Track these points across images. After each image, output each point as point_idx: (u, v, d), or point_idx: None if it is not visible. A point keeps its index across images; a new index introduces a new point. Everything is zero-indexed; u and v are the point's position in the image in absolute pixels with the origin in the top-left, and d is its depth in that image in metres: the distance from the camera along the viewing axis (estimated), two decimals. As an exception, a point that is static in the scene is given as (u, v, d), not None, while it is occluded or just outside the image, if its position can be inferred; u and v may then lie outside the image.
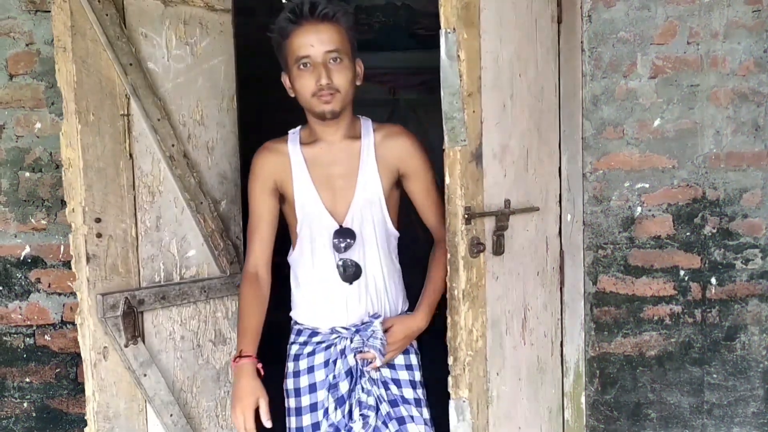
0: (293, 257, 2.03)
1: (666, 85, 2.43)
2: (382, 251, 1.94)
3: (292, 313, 2.09)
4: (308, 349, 1.99)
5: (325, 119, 1.87)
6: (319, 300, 1.97)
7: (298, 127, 2.02)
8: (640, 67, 2.43)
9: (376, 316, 1.93)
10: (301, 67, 1.83)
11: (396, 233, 2.00)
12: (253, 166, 1.99)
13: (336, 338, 1.95)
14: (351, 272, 1.92)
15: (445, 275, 1.84)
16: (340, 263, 1.91)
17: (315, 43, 1.80)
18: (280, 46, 1.89)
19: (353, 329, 1.93)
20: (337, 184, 1.91)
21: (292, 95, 1.93)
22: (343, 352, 1.92)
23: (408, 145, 1.95)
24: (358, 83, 1.92)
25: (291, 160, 1.94)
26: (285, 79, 1.95)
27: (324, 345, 1.97)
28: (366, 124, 1.97)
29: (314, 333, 2.01)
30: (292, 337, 2.07)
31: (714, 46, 2.40)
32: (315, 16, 1.80)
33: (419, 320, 1.93)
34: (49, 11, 2.33)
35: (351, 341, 1.91)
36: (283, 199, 1.99)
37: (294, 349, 2.03)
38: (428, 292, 1.95)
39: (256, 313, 1.96)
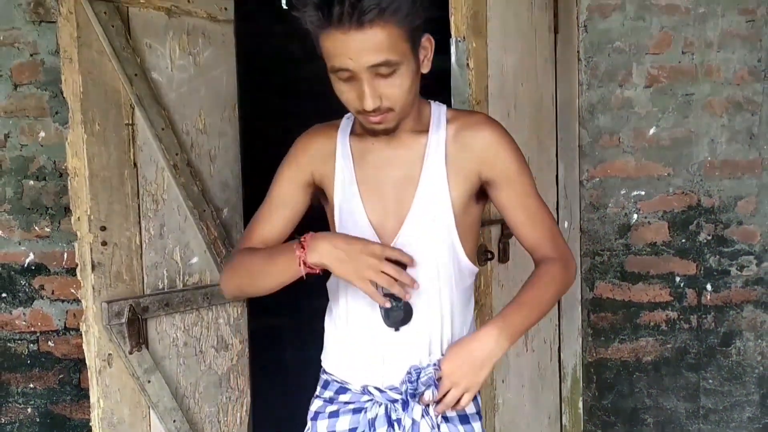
0: (331, 283, 1.49)
1: (661, 94, 2.47)
2: (445, 288, 1.37)
3: (322, 357, 1.58)
4: (331, 408, 1.47)
5: (376, 135, 1.36)
6: (351, 346, 1.44)
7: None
8: (635, 77, 2.47)
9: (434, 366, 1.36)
10: (340, 75, 1.27)
11: (472, 267, 1.41)
12: (293, 147, 1.51)
13: (368, 401, 1.42)
14: (398, 315, 1.36)
15: (546, 294, 1.38)
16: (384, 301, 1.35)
17: (354, 55, 1.22)
18: (311, 35, 1.31)
19: (391, 392, 1.38)
20: (390, 193, 1.37)
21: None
22: (373, 423, 1.39)
23: (494, 140, 1.37)
24: (425, 70, 1.32)
25: (337, 152, 1.43)
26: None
27: (351, 407, 1.44)
28: (438, 112, 1.41)
29: (343, 389, 1.47)
30: (318, 389, 1.55)
31: (708, 55, 2.45)
32: (352, 21, 1.19)
33: (490, 340, 1.30)
34: (53, 22, 2.37)
35: (386, 408, 1.38)
36: (325, 198, 1.49)
37: (315, 405, 1.52)
38: (513, 306, 1.36)
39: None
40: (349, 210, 1.40)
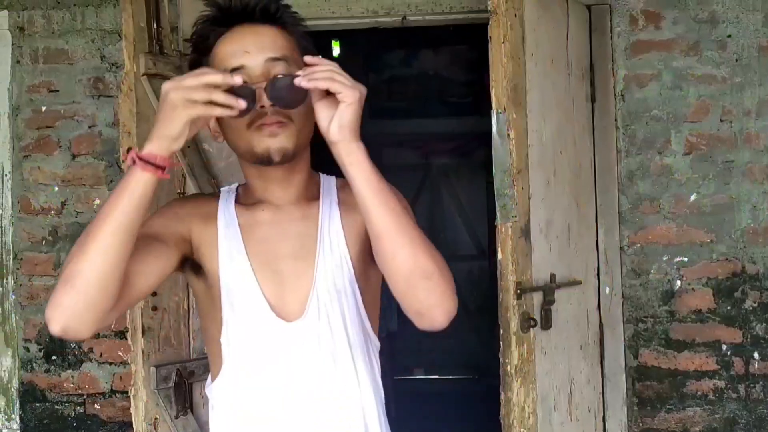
0: (216, 386, 1.22)
1: (701, 161, 2.49)
2: (359, 367, 1.21)
3: None
4: None
5: (270, 163, 1.14)
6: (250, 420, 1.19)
7: (234, 184, 1.30)
8: (674, 144, 2.50)
9: None
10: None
11: (376, 341, 1.27)
12: (166, 204, 1.30)
13: None
14: (281, 84, 1.11)
15: (403, 218, 1.08)
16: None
17: (251, 47, 1.14)
18: (200, 66, 1.18)
19: None
20: (287, 269, 1.20)
21: (220, 140, 1.22)
22: None
23: None
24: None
25: (219, 219, 1.21)
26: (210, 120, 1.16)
27: None
28: (328, 181, 1.28)
29: None
30: None
31: (747, 123, 2.47)
32: (249, 16, 1.16)
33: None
34: (111, 96, 2.51)
35: None
36: (197, 273, 1.22)
37: None
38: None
39: None
40: (240, 288, 1.18)
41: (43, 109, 2.54)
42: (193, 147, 2.19)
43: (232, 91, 1.02)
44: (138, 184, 1.00)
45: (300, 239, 1.20)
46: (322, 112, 1.06)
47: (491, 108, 2.04)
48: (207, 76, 1.02)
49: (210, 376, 1.25)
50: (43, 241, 2.53)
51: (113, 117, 2.51)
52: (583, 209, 2.43)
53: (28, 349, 2.54)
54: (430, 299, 1.05)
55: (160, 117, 1.02)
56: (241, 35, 1.14)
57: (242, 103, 1.02)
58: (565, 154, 2.33)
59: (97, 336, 2.52)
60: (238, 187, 1.27)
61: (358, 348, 1.21)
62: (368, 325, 1.23)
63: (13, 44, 2.55)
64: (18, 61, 2.56)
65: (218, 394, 1.22)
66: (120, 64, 2.46)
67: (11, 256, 2.55)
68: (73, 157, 2.54)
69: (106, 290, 0.99)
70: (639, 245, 2.50)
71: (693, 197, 2.48)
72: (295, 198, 1.22)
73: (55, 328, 0.99)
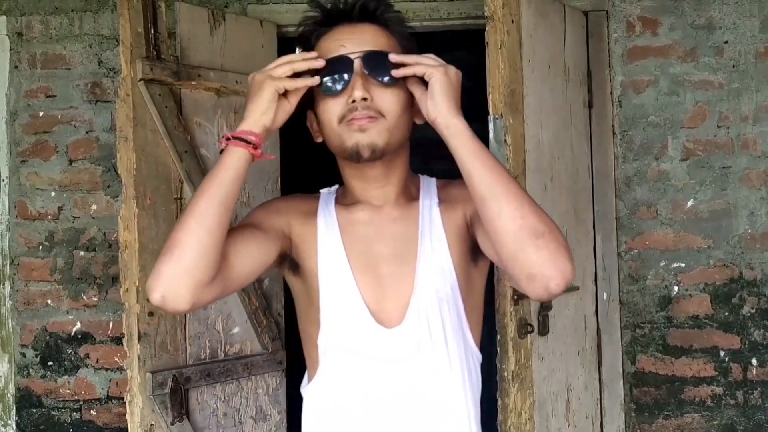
0: (312, 387, 1.22)
1: (698, 167, 2.49)
2: (455, 378, 1.16)
3: None
4: None
5: (360, 159, 1.12)
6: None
7: (335, 186, 1.30)
8: (671, 150, 2.50)
9: None
10: (331, 79, 1.12)
11: (478, 353, 1.23)
12: (267, 201, 1.34)
13: None
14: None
15: (511, 183, 1.05)
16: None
17: (348, 42, 1.12)
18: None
19: None
20: (387, 271, 1.17)
21: (319, 140, 1.21)
22: None
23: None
24: (419, 121, 1.18)
25: (318, 223, 1.21)
26: (310, 120, 1.22)
27: None
28: (428, 182, 1.26)
29: None
30: None
31: (744, 129, 2.47)
32: (349, 15, 1.16)
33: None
34: (109, 101, 2.51)
35: None
36: (294, 270, 1.22)
37: None
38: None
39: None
40: (339, 288, 1.16)
41: (41, 114, 2.54)
42: (191, 152, 2.19)
43: (330, 70, 1.10)
44: (232, 159, 1.07)
45: (399, 241, 1.18)
46: (421, 98, 1.09)
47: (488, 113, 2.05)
48: (286, 57, 1.11)
49: (306, 376, 1.25)
50: (40, 247, 2.53)
51: (110, 122, 2.51)
52: (580, 215, 2.43)
53: (24, 355, 2.53)
54: (541, 256, 0.98)
55: (248, 99, 1.10)
56: (339, 33, 1.15)
57: (320, 62, 1.09)
58: (562, 160, 2.33)
59: (93, 342, 2.52)
60: (338, 189, 1.27)
61: (456, 359, 1.16)
62: (469, 335, 1.19)
63: (11, 49, 2.56)
64: (16, 66, 2.56)
65: (314, 395, 1.21)
66: (117, 69, 2.46)
67: (8, 261, 2.55)
68: (70, 162, 2.54)
69: (203, 260, 1.02)
70: (636, 251, 2.50)
71: (690, 203, 2.48)
72: (393, 198, 1.20)
73: (155, 296, 1.02)
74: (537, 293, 1.03)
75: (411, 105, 1.15)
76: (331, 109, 1.12)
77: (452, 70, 1.09)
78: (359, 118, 1.10)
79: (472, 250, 1.18)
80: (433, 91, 1.06)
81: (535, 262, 0.99)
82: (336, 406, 1.18)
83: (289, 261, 1.20)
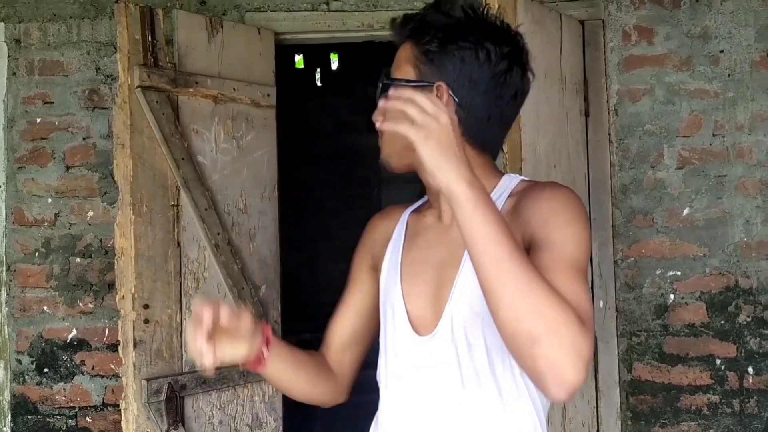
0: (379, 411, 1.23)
1: (693, 176, 2.49)
2: (487, 399, 1.07)
3: None
4: None
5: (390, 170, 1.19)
6: None
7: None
8: (667, 158, 2.51)
9: None
10: None
11: (523, 386, 1.08)
12: (365, 229, 1.38)
13: None
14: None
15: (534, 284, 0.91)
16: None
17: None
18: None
19: None
20: (432, 278, 1.13)
21: None
22: None
23: (546, 197, 1.07)
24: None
25: (394, 233, 1.24)
26: None
27: None
28: (507, 185, 1.15)
29: None
30: None
31: (739, 138, 2.48)
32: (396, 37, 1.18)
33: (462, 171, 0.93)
34: (106, 108, 2.51)
35: None
36: None
37: None
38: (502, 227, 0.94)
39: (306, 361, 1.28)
40: (390, 300, 1.17)
41: (38, 120, 2.54)
42: (188, 159, 2.19)
43: None
44: (264, 374, 1.24)
45: (449, 247, 1.12)
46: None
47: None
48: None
49: None
50: (36, 253, 2.53)
51: (108, 129, 2.51)
52: (576, 223, 2.43)
53: (20, 361, 2.52)
54: (537, 367, 0.88)
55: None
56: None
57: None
58: (558, 168, 2.33)
59: (89, 349, 2.52)
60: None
61: (493, 379, 1.06)
62: (505, 354, 1.02)
63: (9, 56, 2.56)
64: (14, 73, 2.56)
65: (379, 409, 1.23)
66: (115, 76, 2.46)
67: (4, 268, 2.55)
68: (67, 168, 2.54)
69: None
70: (633, 259, 2.51)
71: (686, 211, 2.49)
72: None
73: None
74: (549, 397, 0.98)
75: None
76: None
77: (436, 129, 0.91)
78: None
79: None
80: (422, 163, 0.91)
81: (530, 370, 0.91)
82: (381, 412, 1.20)
83: (373, 268, 1.28)
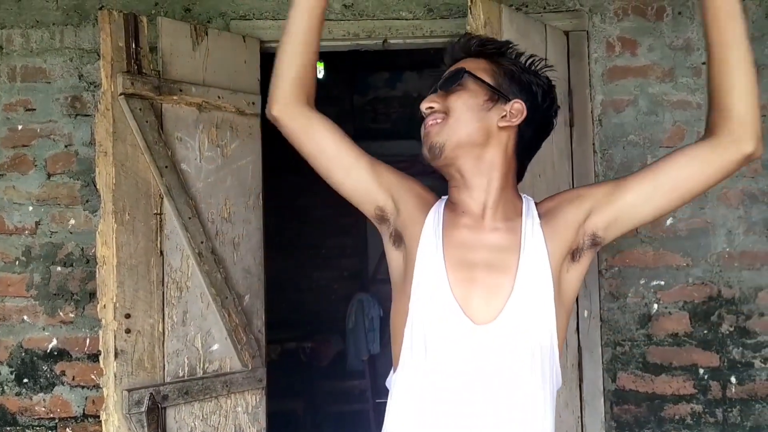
0: (397, 378, 1.28)
1: (677, 186, 2.51)
2: (537, 381, 1.21)
3: None
4: None
5: (426, 161, 1.30)
6: None
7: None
8: (651, 168, 2.52)
9: None
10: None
11: (560, 377, 1.27)
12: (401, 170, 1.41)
13: None
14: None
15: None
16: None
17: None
18: None
19: None
20: (481, 276, 1.22)
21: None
22: None
23: (566, 193, 1.33)
24: (502, 123, 1.26)
25: (428, 216, 1.29)
26: None
27: None
28: (527, 201, 1.33)
29: None
30: None
31: (722, 149, 2.50)
32: (452, 56, 1.37)
33: None
34: (89, 115, 2.49)
35: None
36: (395, 244, 1.33)
37: None
38: None
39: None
40: (430, 280, 1.23)
41: (20, 127, 2.51)
42: (171, 167, 2.18)
43: None
44: None
45: (500, 251, 1.24)
46: None
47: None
48: None
49: (393, 368, 1.29)
50: (17, 261, 2.49)
51: (90, 136, 2.49)
52: (561, 232, 2.44)
53: (-2, 372, 2.48)
54: (751, 111, 1.16)
55: None
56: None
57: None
58: (543, 178, 2.34)
59: (69, 359, 2.48)
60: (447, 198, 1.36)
61: (539, 367, 1.20)
62: (556, 348, 1.23)
63: (-10, 62, 2.53)
64: (-5, 79, 2.54)
65: (399, 386, 1.25)
66: (98, 83, 2.45)
67: (-17, 277, 2.51)
68: (49, 176, 2.51)
69: (294, 67, 1.29)
70: (617, 268, 2.52)
71: (669, 221, 2.51)
72: (492, 207, 1.27)
73: (271, 111, 1.30)
74: (740, 147, 1.17)
75: (487, 109, 1.26)
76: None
77: None
78: (426, 126, 1.29)
79: (576, 251, 1.26)
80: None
81: (743, 116, 1.16)
82: (419, 397, 1.21)
83: (394, 232, 1.31)
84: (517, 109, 1.26)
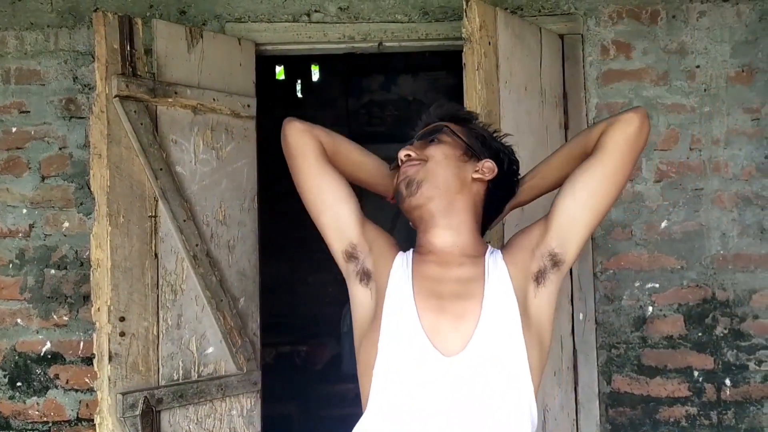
0: (365, 418, 1.26)
1: (671, 189, 2.52)
2: (506, 415, 1.22)
3: None
4: None
5: (400, 197, 1.37)
6: None
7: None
8: (645, 171, 2.53)
9: None
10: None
11: (534, 410, 1.28)
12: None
13: None
14: None
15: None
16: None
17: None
18: None
19: None
20: (449, 307, 1.25)
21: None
22: None
23: (520, 230, 1.42)
24: (476, 176, 1.38)
25: (397, 256, 1.35)
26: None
27: None
28: (491, 249, 1.39)
29: None
30: None
31: (716, 152, 2.51)
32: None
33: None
34: (83, 117, 2.48)
35: None
36: (362, 280, 1.36)
37: None
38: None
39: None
40: (400, 314, 1.25)
41: (14, 129, 2.50)
42: (166, 170, 2.17)
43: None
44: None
45: (465, 283, 1.29)
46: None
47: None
48: None
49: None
50: (10, 264, 2.48)
51: (84, 139, 2.48)
52: (556, 235, 2.44)
53: (-9, 375, 2.47)
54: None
55: None
56: None
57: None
58: (538, 181, 2.34)
59: (63, 362, 2.47)
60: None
61: (512, 394, 1.21)
62: (529, 382, 1.23)
63: (-16, 64, 2.52)
64: (-11, 82, 2.53)
65: (369, 424, 1.23)
66: (92, 85, 2.44)
67: (-23, 279, 2.49)
68: (43, 178, 2.50)
69: (339, 158, 1.49)
70: (612, 271, 2.52)
71: (664, 224, 2.51)
72: (460, 245, 1.35)
73: (291, 145, 1.45)
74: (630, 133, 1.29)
75: (463, 161, 1.38)
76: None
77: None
78: (404, 167, 1.38)
79: (540, 275, 1.30)
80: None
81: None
82: (387, 422, 1.21)
83: (362, 270, 1.35)
84: (488, 167, 1.38)
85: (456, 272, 1.30)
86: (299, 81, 5.23)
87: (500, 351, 1.21)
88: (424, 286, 1.28)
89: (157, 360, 2.14)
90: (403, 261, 1.33)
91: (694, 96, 2.52)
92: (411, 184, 1.34)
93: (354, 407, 1.26)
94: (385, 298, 1.27)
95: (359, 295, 1.35)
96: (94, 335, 2.03)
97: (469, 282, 1.28)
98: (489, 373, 1.20)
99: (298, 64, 5.12)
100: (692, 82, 2.53)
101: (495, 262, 1.31)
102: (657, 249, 2.51)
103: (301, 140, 1.42)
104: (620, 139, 1.28)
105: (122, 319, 2.07)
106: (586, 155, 1.33)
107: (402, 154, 1.38)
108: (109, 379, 2.03)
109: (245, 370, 2.31)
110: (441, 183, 1.34)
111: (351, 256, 1.37)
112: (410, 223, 1.43)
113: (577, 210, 1.29)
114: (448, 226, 1.34)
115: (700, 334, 2.48)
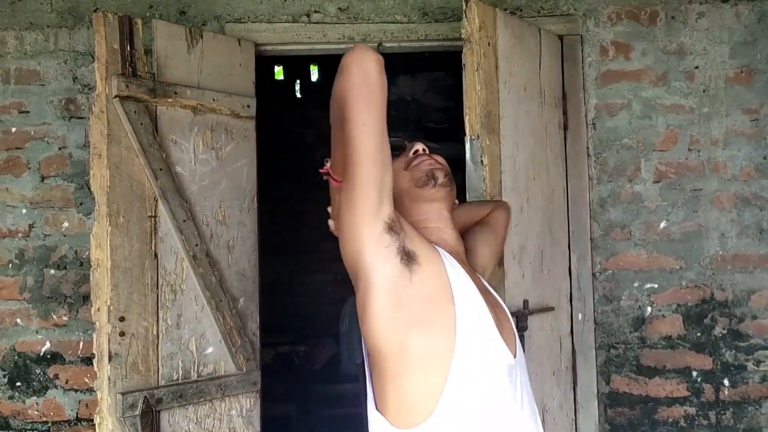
0: (437, 421, 1.11)
1: (670, 189, 2.52)
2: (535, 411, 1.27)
3: None
4: None
5: (435, 182, 1.30)
6: None
7: None
8: (644, 172, 2.54)
9: None
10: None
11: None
12: None
13: None
14: None
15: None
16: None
17: None
18: None
19: None
20: (498, 312, 1.25)
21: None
22: None
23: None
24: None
25: (437, 248, 1.23)
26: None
27: None
28: None
29: None
30: None
31: (714, 152, 2.52)
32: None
33: None
34: (83, 117, 2.48)
35: None
36: (408, 264, 1.14)
37: None
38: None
39: None
40: (483, 324, 1.17)
41: (13, 130, 2.51)
42: (166, 170, 2.17)
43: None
44: None
45: (488, 291, 1.30)
46: None
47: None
48: None
49: (385, 418, 1.14)
50: (10, 264, 2.48)
51: (84, 139, 2.48)
52: (555, 235, 2.45)
53: (-9, 375, 2.47)
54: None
55: None
56: None
57: None
58: (538, 181, 2.35)
59: (63, 362, 2.47)
60: None
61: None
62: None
63: (-16, 64, 2.52)
64: (-11, 82, 2.53)
65: (449, 422, 1.11)
66: (92, 85, 2.44)
67: (-24, 279, 2.49)
68: (42, 179, 2.50)
69: None
70: (611, 271, 2.53)
71: (662, 224, 2.52)
72: (462, 251, 1.35)
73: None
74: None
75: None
76: (396, 165, 1.29)
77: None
78: (423, 156, 1.36)
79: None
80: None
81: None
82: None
83: (402, 247, 1.14)
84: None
85: (477, 278, 1.30)
86: (299, 81, 5.23)
87: (522, 353, 1.27)
88: (473, 281, 1.21)
89: (157, 360, 2.15)
90: (442, 252, 1.22)
91: (693, 97, 2.53)
92: (448, 175, 1.33)
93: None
94: (453, 290, 1.15)
95: (395, 274, 1.12)
96: (94, 335, 2.04)
97: (488, 290, 1.32)
98: (526, 374, 1.26)
99: (297, 64, 5.12)
100: (691, 82, 2.53)
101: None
102: (656, 249, 2.51)
103: (384, 77, 1.18)
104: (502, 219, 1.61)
105: (122, 319, 2.07)
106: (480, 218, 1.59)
107: (420, 146, 1.37)
108: (109, 379, 2.03)
109: (245, 370, 2.31)
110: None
111: (391, 228, 1.14)
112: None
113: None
114: (454, 227, 1.36)
115: (698, 334, 2.48)
